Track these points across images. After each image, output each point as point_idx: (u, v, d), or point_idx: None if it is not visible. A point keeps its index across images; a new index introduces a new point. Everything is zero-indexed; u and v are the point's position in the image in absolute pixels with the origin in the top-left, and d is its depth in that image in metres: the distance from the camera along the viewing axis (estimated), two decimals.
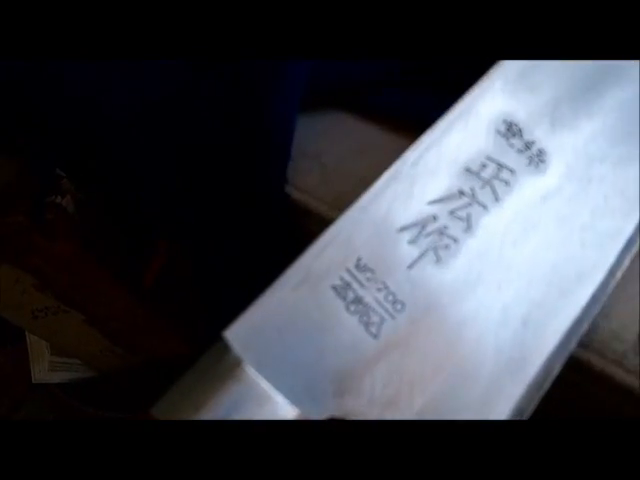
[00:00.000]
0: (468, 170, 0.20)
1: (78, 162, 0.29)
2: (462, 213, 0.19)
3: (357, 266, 0.18)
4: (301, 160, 0.25)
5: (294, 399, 0.16)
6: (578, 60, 0.21)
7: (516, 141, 0.20)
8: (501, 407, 0.16)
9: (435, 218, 0.19)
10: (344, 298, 0.18)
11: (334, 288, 0.18)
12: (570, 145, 0.20)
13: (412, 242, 0.18)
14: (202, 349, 0.17)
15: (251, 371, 0.16)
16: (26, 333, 0.46)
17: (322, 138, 0.26)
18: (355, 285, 0.18)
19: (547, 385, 0.17)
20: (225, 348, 0.17)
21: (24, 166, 0.31)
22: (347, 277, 0.18)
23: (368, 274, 0.18)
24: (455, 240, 0.19)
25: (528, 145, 0.20)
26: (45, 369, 0.47)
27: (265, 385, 0.16)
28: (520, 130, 0.20)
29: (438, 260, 0.18)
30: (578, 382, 0.20)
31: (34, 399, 0.49)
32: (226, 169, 0.25)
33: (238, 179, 0.25)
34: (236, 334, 0.17)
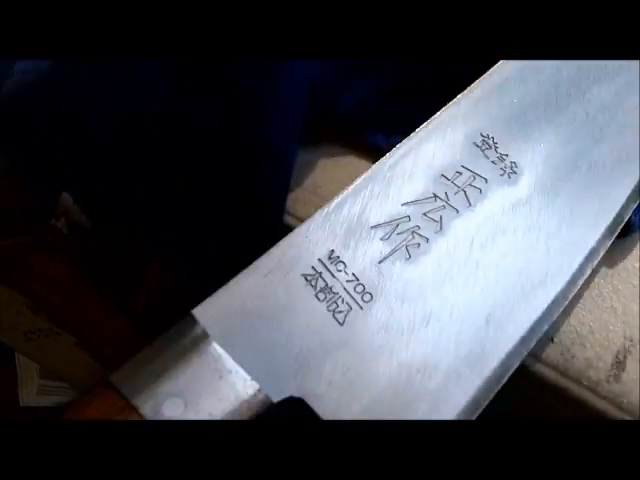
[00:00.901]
0: (443, 176, 0.20)
1: (77, 178, 0.29)
2: (435, 215, 0.20)
3: (329, 257, 0.19)
4: (299, 192, 0.26)
5: (256, 375, 0.16)
6: (576, 60, 0.22)
7: (491, 153, 0.21)
8: (458, 397, 0.17)
9: (408, 218, 0.19)
10: (314, 286, 0.18)
11: (305, 276, 0.18)
12: (541, 159, 0.21)
13: (384, 239, 0.19)
14: None
15: (215, 345, 0.17)
16: (15, 355, 0.46)
17: (319, 172, 0.27)
18: (326, 275, 0.18)
19: (504, 380, 0.17)
20: (191, 323, 0.17)
21: (25, 187, 0.31)
22: (319, 267, 0.18)
23: (340, 265, 0.18)
24: (426, 240, 0.19)
25: (502, 158, 0.21)
26: (33, 392, 0.46)
27: (228, 359, 0.17)
28: (495, 143, 0.21)
29: (408, 257, 0.19)
30: (556, 407, 0.20)
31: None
32: (225, 196, 0.26)
33: (238, 207, 0.26)
34: (204, 311, 0.17)
